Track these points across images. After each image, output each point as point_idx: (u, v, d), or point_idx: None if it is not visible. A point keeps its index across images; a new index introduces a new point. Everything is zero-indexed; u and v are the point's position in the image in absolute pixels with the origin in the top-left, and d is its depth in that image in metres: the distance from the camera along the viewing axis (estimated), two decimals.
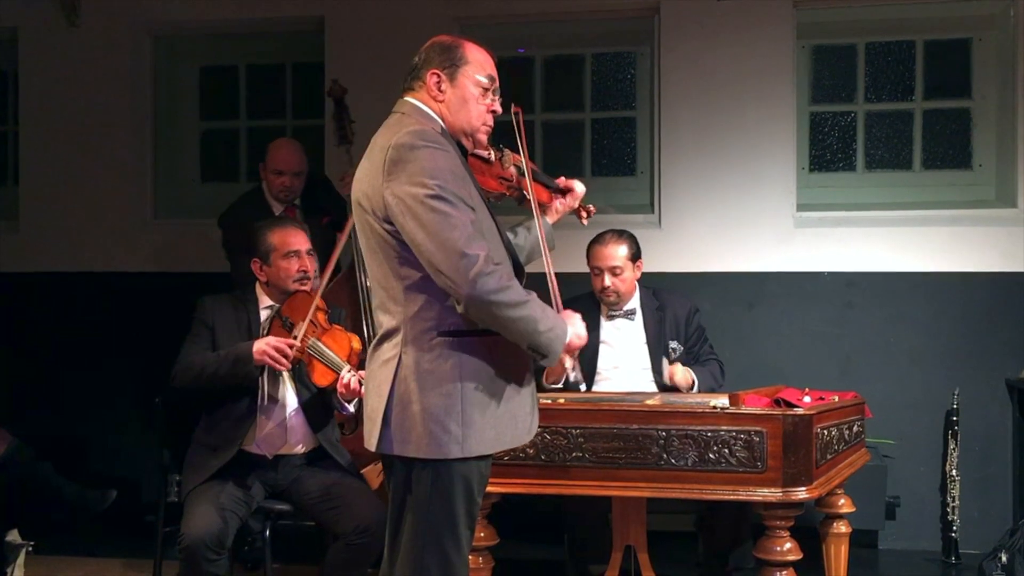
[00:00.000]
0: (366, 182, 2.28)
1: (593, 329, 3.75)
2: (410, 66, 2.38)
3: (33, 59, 5.13)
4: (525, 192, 2.51)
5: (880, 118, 4.79)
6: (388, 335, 2.30)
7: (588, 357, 3.73)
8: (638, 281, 3.81)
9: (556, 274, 2.46)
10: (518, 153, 2.51)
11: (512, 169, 2.50)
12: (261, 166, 4.19)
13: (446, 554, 2.27)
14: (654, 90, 4.75)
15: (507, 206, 2.57)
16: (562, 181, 2.64)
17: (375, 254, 2.29)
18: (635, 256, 3.75)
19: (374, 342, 2.35)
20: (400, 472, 2.28)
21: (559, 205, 2.62)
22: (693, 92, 4.64)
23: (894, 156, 4.78)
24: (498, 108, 2.41)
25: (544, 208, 2.58)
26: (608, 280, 3.69)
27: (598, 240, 3.76)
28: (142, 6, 5.04)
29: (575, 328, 2.36)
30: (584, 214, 2.70)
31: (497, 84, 2.40)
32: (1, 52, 5.26)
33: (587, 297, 3.86)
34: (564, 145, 5.01)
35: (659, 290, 3.86)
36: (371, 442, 2.30)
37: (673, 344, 3.74)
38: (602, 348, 3.78)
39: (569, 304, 3.79)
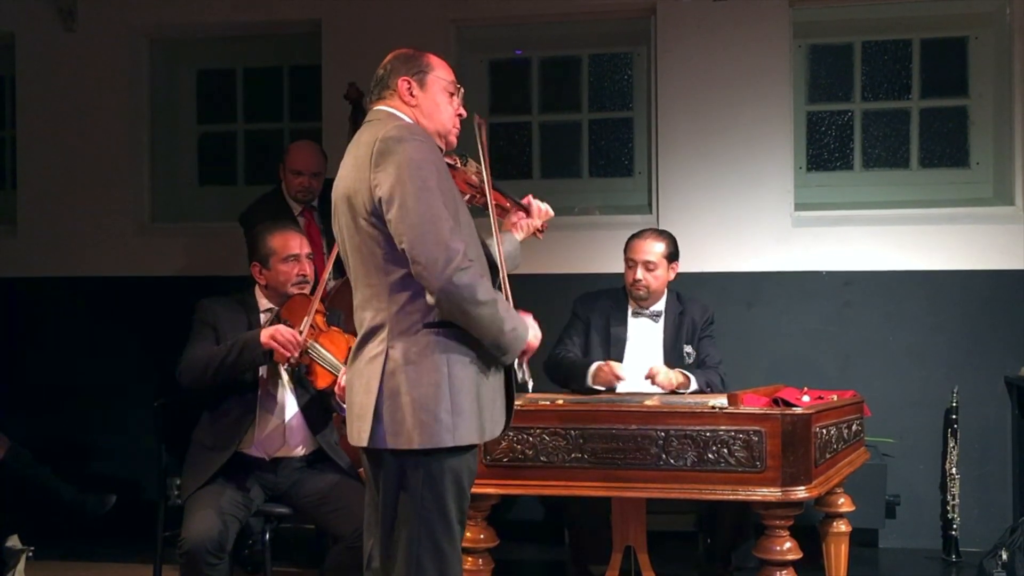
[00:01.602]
0: (351, 178, 2.33)
1: (621, 324, 3.75)
2: (375, 79, 2.46)
3: (30, 64, 5.13)
4: (488, 200, 2.60)
5: (877, 117, 4.79)
6: (373, 332, 2.32)
7: (614, 352, 3.72)
8: (668, 284, 3.79)
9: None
10: (479, 164, 2.59)
11: (475, 178, 2.59)
12: (280, 166, 4.23)
13: (440, 547, 2.29)
14: (651, 91, 4.75)
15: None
16: (528, 200, 2.73)
17: (359, 252, 2.33)
18: (671, 256, 3.73)
19: (358, 340, 2.37)
20: (391, 466, 2.30)
21: (525, 224, 2.70)
22: (690, 92, 4.65)
23: (891, 155, 4.78)
24: (463, 112, 2.50)
25: (505, 213, 2.67)
26: (640, 273, 3.68)
27: (638, 234, 3.77)
28: (139, 10, 5.04)
29: (534, 329, 2.43)
30: (539, 232, 2.77)
31: (461, 90, 2.50)
32: None
33: (616, 292, 3.84)
34: (562, 146, 5.01)
35: (682, 295, 3.86)
36: (362, 437, 2.31)
37: (688, 349, 3.74)
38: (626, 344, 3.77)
39: (599, 295, 3.87)
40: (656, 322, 3.77)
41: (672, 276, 3.77)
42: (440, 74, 2.45)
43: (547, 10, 4.80)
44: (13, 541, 4.09)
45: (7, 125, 5.34)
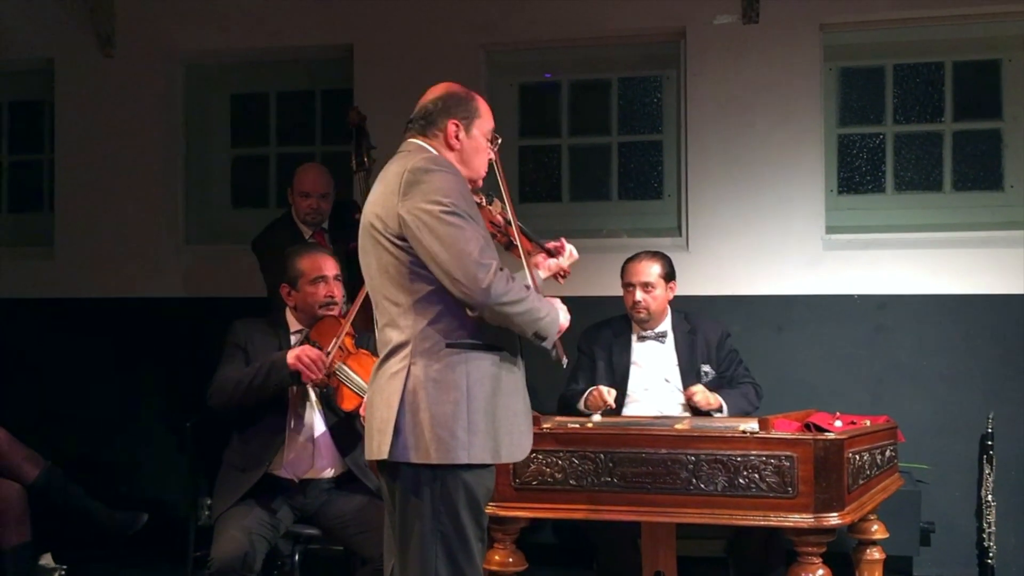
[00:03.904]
0: (380, 204, 2.43)
1: (624, 351, 3.78)
2: (423, 110, 2.53)
3: (69, 88, 5.23)
4: (512, 239, 2.66)
5: (909, 139, 4.76)
6: (396, 349, 2.41)
7: (619, 379, 3.75)
8: (670, 304, 3.83)
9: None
10: (503, 203, 2.66)
11: (500, 218, 2.65)
12: (289, 190, 4.26)
13: (457, 562, 2.35)
14: (681, 113, 4.75)
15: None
16: (552, 244, 2.75)
17: (386, 272, 2.42)
18: (668, 276, 3.79)
19: (381, 357, 2.46)
20: (408, 479, 2.37)
21: (551, 264, 2.73)
22: (720, 115, 4.64)
23: (924, 178, 4.74)
24: (494, 156, 2.60)
25: (528, 255, 2.70)
26: (639, 295, 3.73)
27: (632, 258, 3.84)
28: (175, 36, 5.13)
29: (563, 312, 2.54)
30: (561, 276, 2.79)
31: (499, 140, 2.61)
32: (38, 82, 5.36)
33: (619, 319, 3.88)
34: (591, 169, 5.02)
35: (691, 314, 3.89)
36: (381, 450, 2.38)
37: (706, 368, 3.75)
38: (633, 370, 3.79)
39: (601, 325, 3.92)
40: (663, 343, 3.79)
41: (671, 296, 3.81)
42: (485, 122, 2.56)
43: (576, 34, 4.83)
44: (46, 560, 4.13)
45: (46, 149, 5.44)
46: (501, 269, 2.35)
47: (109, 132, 5.16)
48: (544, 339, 2.44)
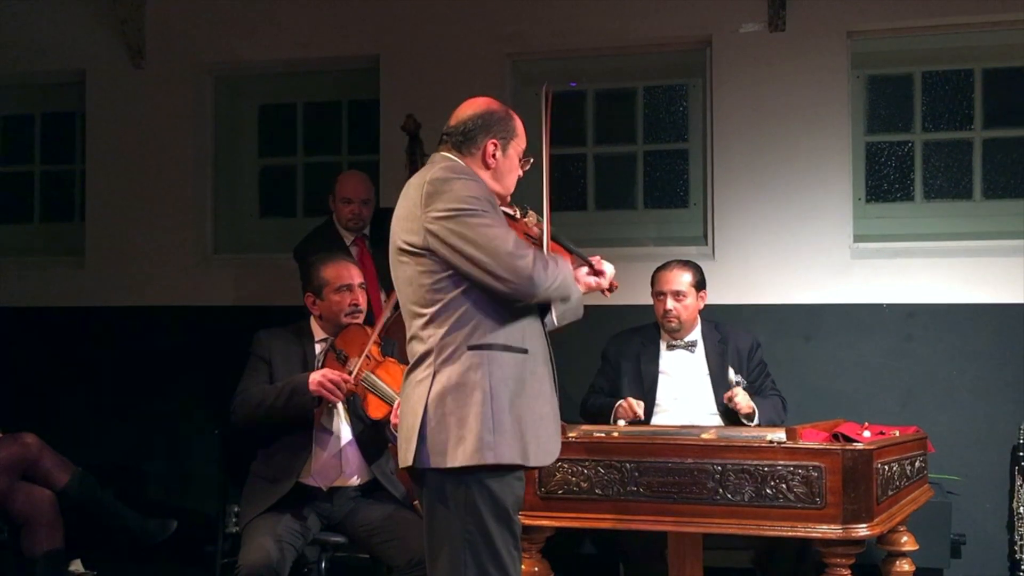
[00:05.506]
0: (403, 218, 2.45)
1: (653, 360, 3.77)
2: (461, 127, 2.51)
3: (99, 100, 5.30)
4: (546, 214, 2.62)
5: (938, 147, 4.72)
6: (421, 359, 2.42)
7: (648, 387, 3.74)
8: (700, 314, 3.81)
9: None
10: (539, 216, 2.64)
11: (536, 230, 2.62)
12: (330, 197, 4.33)
13: (486, 569, 2.33)
14: (707, 122, 4.74)
15: None
16: (595, 261, 2.68)
17: (409, 284, 2.43)
18: (699, 285, 3.78)
19: (408, 368, 2.47)
20: (433, 486, 2.37)
21: (591, 282, 2.65)
22: (746, 123, 4.63)
23: (953, 185, 4.70)
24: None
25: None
26: (671, 304, 3.72)
27: (663, 266, 3.83)
28: (204, 47, 5.19)
29: (569, 267, 2.52)
30: (608, 290, 2.72)
31: (531, 160, 2.62)
32: (70, 94, 5.44)
33: (648, 328, 3.87)
34: (616, 178, 5.02)
35: (721, 323, 3.87)
36: (407, 458, 2.39)
37: (737, 378, 3.72)
38: (662, 379, 3.78)
39: (630, 333, 3.90)
40: (692, 352, 3.77)
41: (701, 305, 3.80)
42: (520, 142, 2.57)
43: (602, 43, 4.83)
44: (76, 565, 4.17)
45: (77, 159, 5.51)
46: (535, 258, 2.37)
47: (139, 143, 5.23)
48: (568, 298, 2.47)
